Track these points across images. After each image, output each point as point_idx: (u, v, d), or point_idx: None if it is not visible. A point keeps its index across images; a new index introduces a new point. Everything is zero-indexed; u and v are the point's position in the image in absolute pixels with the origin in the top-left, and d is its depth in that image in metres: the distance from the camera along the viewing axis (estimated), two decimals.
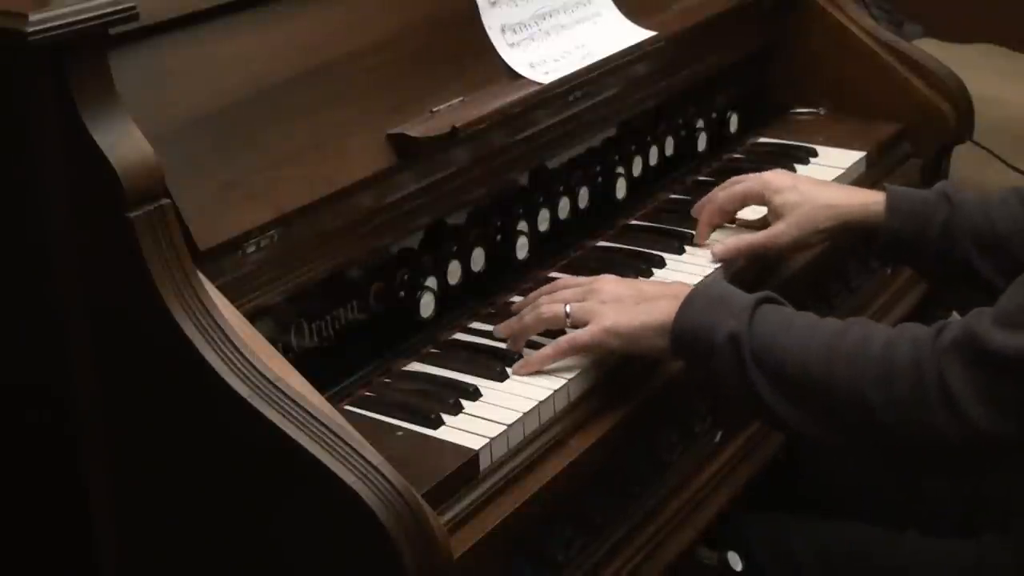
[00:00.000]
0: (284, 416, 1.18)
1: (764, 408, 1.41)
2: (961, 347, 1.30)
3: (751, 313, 1.42)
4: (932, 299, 2.25)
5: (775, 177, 1.82)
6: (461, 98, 1.63)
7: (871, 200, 1.76)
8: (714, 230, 1.86)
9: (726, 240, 1.80)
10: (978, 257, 1.70)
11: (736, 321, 1.42)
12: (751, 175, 1.86)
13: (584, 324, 1.51)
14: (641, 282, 1.60)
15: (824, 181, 1.86)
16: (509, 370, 1.51)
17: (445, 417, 1.42)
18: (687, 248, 1.83)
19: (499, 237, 1.73)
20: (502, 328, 1.59)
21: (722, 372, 1.43)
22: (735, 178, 1.87)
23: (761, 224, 1.82)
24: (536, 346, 1.55)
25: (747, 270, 1.81)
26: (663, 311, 1.48)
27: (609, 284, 1.56)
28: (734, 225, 1.87)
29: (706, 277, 1.74)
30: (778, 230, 1.76)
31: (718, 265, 1.78)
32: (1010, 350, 1.27)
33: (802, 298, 1.96)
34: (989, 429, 1.29)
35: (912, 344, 1.34)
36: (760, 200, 1.81)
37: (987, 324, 1.29)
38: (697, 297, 1.47)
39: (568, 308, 1.53)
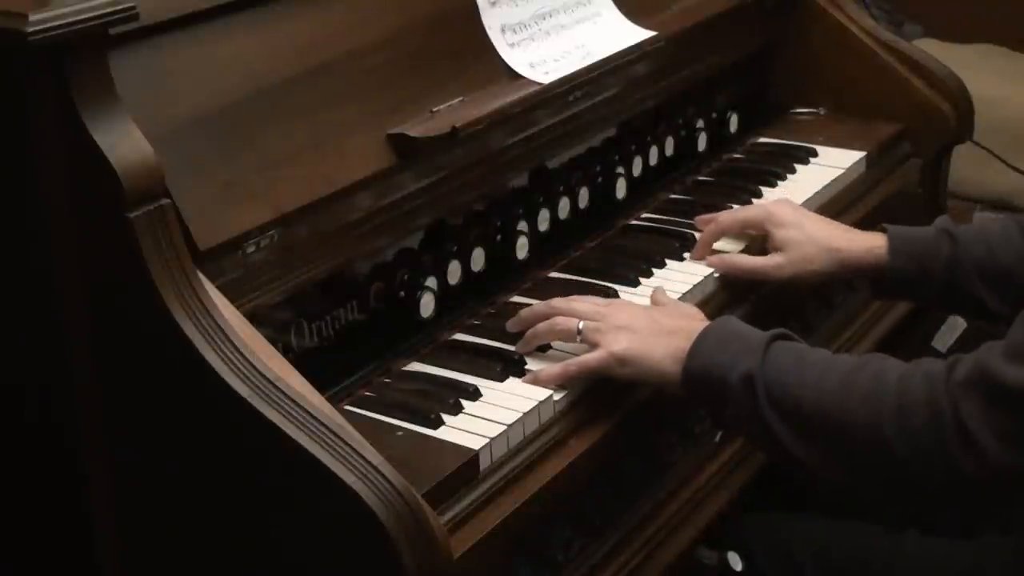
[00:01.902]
0: (284, 416, 1.18)
1: (778, 446, 1.40)
2: (974, 383, 1.29)
3: (764, 351, 1.41)
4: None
5: (779, 210, 1.81)
6: (461, 98, 1.63)
7: (873, 244, 1.75)
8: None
9: (724, 257, 1.79)
10: (984, 290, 1.70)
11: (749, 360, 1.41)
12: (756, 205, 1.87)
13: (594, 344, 1.50)
14: (656, 311, 1.57)
15: (826, 220, 1.83)
16: (510, 373, 1.51)
17: (445, 417, 1.42)
18: (687, 249, 1.83)
19: (499, 237, 1.73)
20: (512, 323, 1.59)
21: (736, 412, 1.42)
22: (741, 207, 1.86)
23: (761, 243, 1.82)
24: (544, 349, 1.56)
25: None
26: (676, 347, 1.47)
27: (625, 311, 1.53)
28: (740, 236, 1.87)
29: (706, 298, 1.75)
30: (777, 263, 1.76)
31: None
32: (1021, 382, 1.26)
33: (801, 298, 1.97)
34: (1005, 462, 1.28)
35: (925, 379, 1.33)
36: (761, 230, 1.81)
37: (997, 359, 1.29)
38: (709, 335, 1.46)
39: (581, 325, 1.52)
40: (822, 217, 1.86)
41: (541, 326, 1.55)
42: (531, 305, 1.62)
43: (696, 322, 1.51)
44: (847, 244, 1.77)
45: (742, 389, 1.41)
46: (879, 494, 1.46)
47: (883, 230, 1.77)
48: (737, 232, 1.85)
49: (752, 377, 1.40)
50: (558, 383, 1.49)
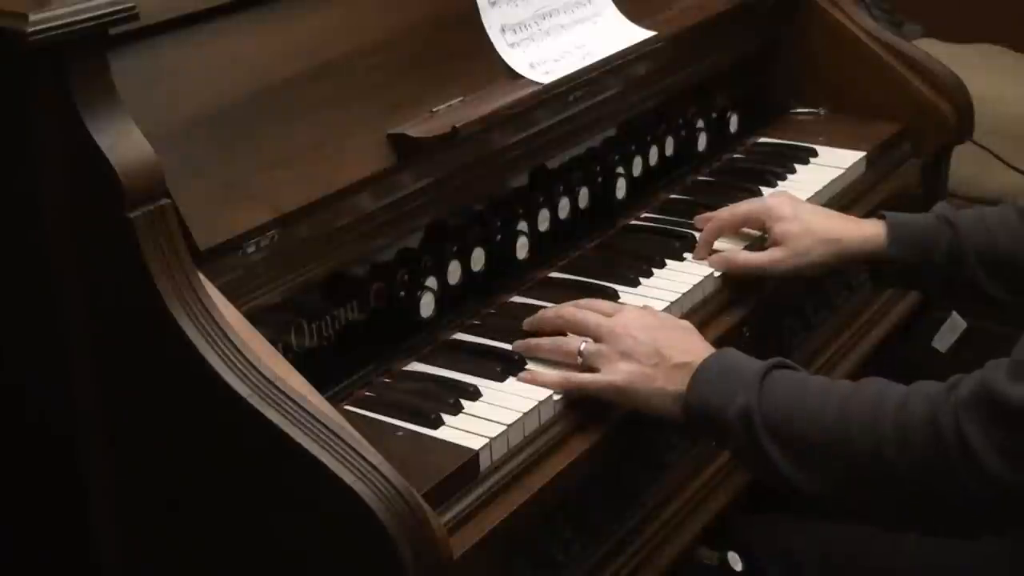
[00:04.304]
0: (284, 416, 1.18)
1: (781, 478, 1.40)
2: (978, 402, 1.28)
3: (760, 384, 1.41)
4: (931, 299, 2.25)
5: (777, 204, 1.81)
6: (461, 98, 1.63)
7: (872, 233, 1.76)
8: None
9: (724, 254, 1.79)
10: (984, 276, 1.71)
11: (746, 394, 1.40)
12: (754, 199, 1.87)
13: (595, 370, 1.50)
14: (660, 331, 1.52)
15: (825, 211, 1.83)
16: (510, 373, 1.51)
17: (445, 417, 1.42)
18: (687, 249, 1.83)
19: (499, 237, 1.73)
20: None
21: (737, 445, 1.43)
22: (739, 203, 1.86)
23: (761, 242, 1.82)
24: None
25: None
26: (675, 381, 1.46)
27: (630, 327, 1.51)
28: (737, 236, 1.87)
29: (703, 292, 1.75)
30: (776, 258, 1.76)
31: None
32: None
33: (800, 299, 1.97)
34: (1008, 481, 1.27)
35: (926, 400, 1.32)
36: (760, 225, 1.81)
37: (1002, 378, 1.27)
38: (707, 370, 1.45)
39: (583, 347, 1.51)
40: (820, 208, 1.86)
41: (544, 342, 1.55)
42: (533, 306, 1.62)
43: (697, 348, 1.50)
44: (846, 234, 1.77)
45: (740, 424, 1.40)
46: (886, 520, 1.45)
47: (882, 217, 1.77)
48: (737, 228, 1.85)
49: (749, 412, 1.40)
50: (552, 389, 1.49)
